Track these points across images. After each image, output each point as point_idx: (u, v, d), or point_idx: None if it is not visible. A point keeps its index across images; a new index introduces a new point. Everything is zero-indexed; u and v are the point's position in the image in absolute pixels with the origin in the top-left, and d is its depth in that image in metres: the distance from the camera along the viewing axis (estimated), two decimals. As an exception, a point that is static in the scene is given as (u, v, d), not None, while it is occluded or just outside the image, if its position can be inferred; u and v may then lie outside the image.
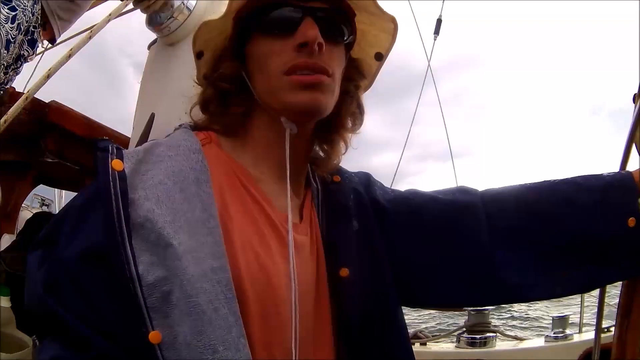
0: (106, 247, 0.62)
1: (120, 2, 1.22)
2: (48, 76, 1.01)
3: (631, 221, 0.80)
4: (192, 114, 0.86)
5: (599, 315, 1.07)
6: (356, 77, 0.87)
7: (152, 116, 1.13)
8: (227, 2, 1.19)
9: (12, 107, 0.96)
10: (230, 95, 0.80)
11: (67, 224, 0.67)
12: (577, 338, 2.64)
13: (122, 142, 1.27)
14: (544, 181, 0.90)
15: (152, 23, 1.24)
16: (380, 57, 0.89)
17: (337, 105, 0.81)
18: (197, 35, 0.82)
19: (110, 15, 1.18)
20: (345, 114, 0.85)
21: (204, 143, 0.77)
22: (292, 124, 0.77)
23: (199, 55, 0.84)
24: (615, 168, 0.93)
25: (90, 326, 0.62)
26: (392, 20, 0.84)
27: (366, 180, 0.93)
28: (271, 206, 0.77)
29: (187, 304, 0.61)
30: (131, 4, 1.26)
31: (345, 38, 0.80)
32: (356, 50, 0.86)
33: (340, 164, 0.90)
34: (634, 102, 1.28)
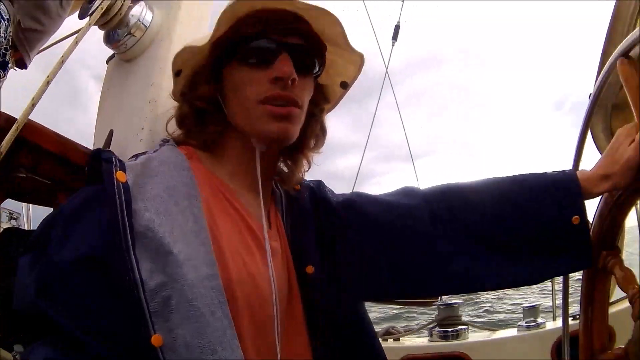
0: (106, 252, 0.66)
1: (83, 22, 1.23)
2: (33, 105, 1.04)
3: (575, 219, 0.86)
4: (168, 128, 0.92)
5: (565, 304, 1.13)
6: (321, 102, 0.94)
7: (111, 133, 1.14)
8: (182, 16, 1.21)
9: (7, 137, 1.00)
10: (206, 114, 0.86)
11: (60, 228, 0.70)
12: (550, 326, 2.67)
13: (82, 154, 1.27)
14: (490, 178, 0.96)
15: (109, 40, 1.25)
16: (345, 86, 0.97)
17: (303, 127, 0.88)
18: (178, 56, 0.88)
19: (76, 38, 1.19)
20: (309, 135, 0.92)
21: (187, 158, 0.83)
22: (262, 145, 0.84)
23: (177, 73, 0.90)
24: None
25: (84, 329, 0.65)
26: (360, 56, 0.92)
27: (318, 185, 1.01)
28: (250, 216, 0.84)
29: (187, 307, 0.66)
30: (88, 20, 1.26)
31: (316, 71, 0.87)
32: (324, 77, 0.93)
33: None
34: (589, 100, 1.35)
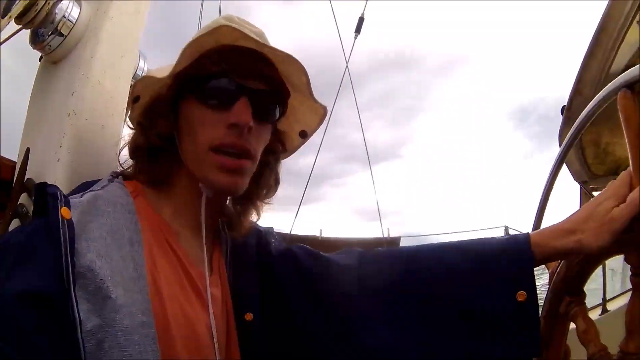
0: (51, 291, 0.63)
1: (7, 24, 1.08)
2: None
3: (520, 295, 0.73)
4: (121, 157, 0.90)
5: None
6: (278, 150, 0.92)
7: (27, 152, 1.01)
8: (113, 11, 1.07)
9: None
10: (159, 151, 0.84)
11: (7, 261, 0.66)
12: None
13: (7, 167, 1.14)
14: (430, 244, 0.88)
15: (34, 41, 1.10)
16: (304, 135, 0.95)
17: (256, 175, 0.86)
18: (137, 84, 0.86)
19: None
20: (262, 186, 0.91)
21: (133, 197, 0.81)
22: (210, 191, 0.83)
23: (135, 100, 0.86)
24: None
25: None
26: (323, 108, 0.90)
27: (267, 232, 1.00)
28: (189, 262, 0.82)
29: (120, 353, 0.64)
30: (13, 22, 1.12)
31: (275, 118, 0.85)
32: (283, 124, 0.91)
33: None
34: (562, 114, 1.27)
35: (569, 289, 0.84)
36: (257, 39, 0.77)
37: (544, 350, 0.86)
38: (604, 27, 0.89)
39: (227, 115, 0.78)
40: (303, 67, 0.81)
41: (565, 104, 1.19)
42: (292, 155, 1.01)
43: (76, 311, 0.63)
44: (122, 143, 0.91)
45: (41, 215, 0.70)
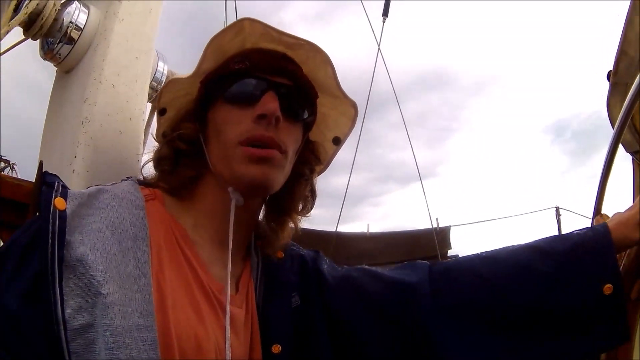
0: (37, 287, 0.60)
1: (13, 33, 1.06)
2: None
3: (607, 288, 0.71)
4: (143, 171, 0.86)
5: None
6: (312, 161, 0.88)
7: (41, 164, 0.97)
8: (122, 12, 1.02)
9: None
10: (184, 156, 0.81)
11: (9, 264, 0.64)
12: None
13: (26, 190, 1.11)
14: (502, 248, 0.83)
15: (43, 50, 1.07)
16: (338, 142, 0.91)
17: (290, 187, 0.83)
18: (163, 92, 0.83)
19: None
20: (297, 197, 0.86)
21: (148, 199, 0.77)
22: (239, 196, 0.77)
23: (161, 112, 0.84)
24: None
25: None
26: (353, 106, 0.86)
27: (314, 256, 0.93)
28: (206, 272, 0.76)
29: (107, 355, 0.59)
30: (21, 34, 1.09)
31: (305, 117, 0.82)
32: (315, 133, 0.88)
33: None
34: (608, 80, 1.17)
35: (640, 271, 0.74)
36: (277, 29, 0.76)
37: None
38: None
39: (254, 108, 0.75)
40: (326, 56, 0.78)
41: (611, 69, 1.09)
42: (323, 175, 0.96)
43: (59, 307, 0.59)
44: (144, 156, 0.89)
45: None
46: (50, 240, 0.62)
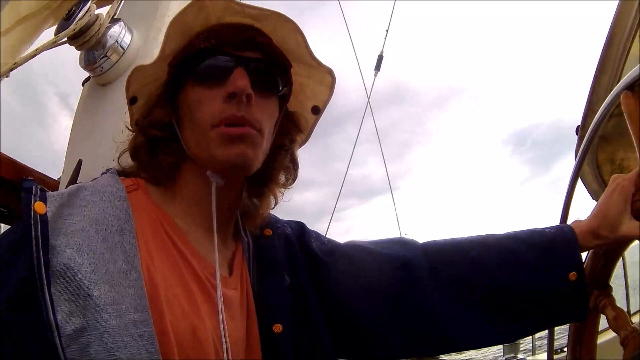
0: (26, 293, 0.59)
1: (53, 36, 1.17)
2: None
3: (572, 275, 0.85)
4: (121, 161, 0.83)
5: (550, 339, 1.10)
6: (292, 131, 0.87)
7: (80, 162, 1.07)
8: (162, 38, 1.16)
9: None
10: (160, 143, 0.79)
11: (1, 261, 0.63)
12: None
13: (50, 186, 1.19)
14: (489, 235, 0.94)
15: (85, 61, 1.18)
16: (317, 111, 0.89)
17: (270, 159, 0.81)
18: (131, 80, 0.80)
19: (37, 50, 1.13)
20: (278, 168, 0.85)
21: (130, 190, 0.75)
22: (219, 177, 0.76)
23: (132, 101, 0.82)
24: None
25: None
26: (330, 73, 0.84)
27: (300, 230, 0.93)
28: (197, 258, 0.75)
29: (107, 357, 0.58)
30: (65, 39, 1.20)
31: (279, 89, 0.80)
32: (293, 104, 0.86)
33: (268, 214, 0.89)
34: (576, 134, 1.34)
35: (596, 283, 0.90)
36: (240, 2, 0.74)
37: (578, 344, 0.92)
38: (611, 42, 0.99)
39: (224, 87, 0.73)
40: (296, 26, 0.76)
41: (579, 124, 1.25)
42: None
43: (51, 314, 0.57)
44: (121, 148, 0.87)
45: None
46: (34, 247, 0.60)
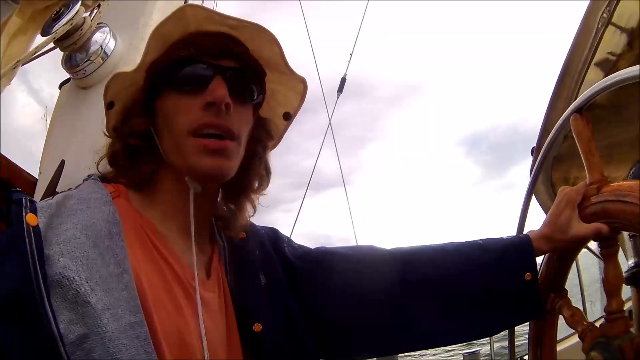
0: (24, 306, 0.59)
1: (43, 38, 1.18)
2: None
3: (527, 276, 0.92)
4: (100, 166, 0.85)
5: (511, 347, 1.16)
6: (264, 138, 0.89)
7: (62, 163, 1.08)
8: (144, 43, 1.20)
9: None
10: (138, 151, 0.80)
11: None
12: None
13: (29, 182, 1.19)
14: (448, 243, 1.00)
15: (67, 63, 1.20)
16: (288, 117, 0.91)
17: (245, 167, 0.83)
18: (109, 86, 0.81)
19: (36, 49, 1.14)
20: (252, 176, 0.87)
21: (113, 196, 0.76)
22: (197, 184, 0.78)
23: (109, 106, 0.82)
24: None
25: None
26: (302, 81, 0.87)
27: (273, 235, 0.96)
28: (179, 263, 0.76)
29: None
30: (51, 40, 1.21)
31: (254, 98, 0.82)
32: (265, 110, 0.88)
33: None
34: (531, 155, 1.42)
35: (552, 287, 0.97)
36: (224, 14, 0.77)
37: (537, 346, 1.00)
38: (567, 70, 1.08)
39: (203, 96, 0.74)
40: (273, 36, 0.78)
41: (534, 145, 1.33)
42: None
43: (53, 324, 0.58)
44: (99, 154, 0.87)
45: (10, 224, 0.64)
46: (30, 260, 0.60)
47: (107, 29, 1.19)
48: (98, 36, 1.17)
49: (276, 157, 0.93)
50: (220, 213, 0.90)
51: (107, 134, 0.84)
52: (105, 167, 0.84)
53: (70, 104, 1.24)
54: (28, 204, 0.65)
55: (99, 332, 0.59)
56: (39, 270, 0.60)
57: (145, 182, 0.80)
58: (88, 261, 0.64)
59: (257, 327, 0.81)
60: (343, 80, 4.87)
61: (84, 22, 1.14)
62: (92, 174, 0.81)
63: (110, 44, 1.18)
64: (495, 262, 0.94)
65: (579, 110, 0.89)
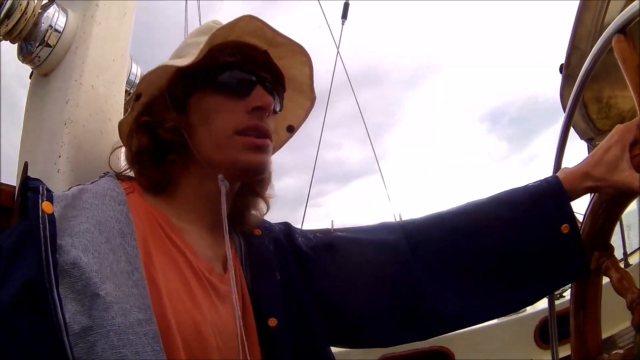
0: (36, 293, 0.60)
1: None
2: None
3: (564, 227, 0.79)
4: (111, 160, 0.87)
5: (551, 303, 1.05)
6: None
7: (26, 166, 0.98)
8: (100, 15, 1.04)
9: None
10: (170, 148, 0.81)
11: (2, 263, 0.64)
12: (529, 310, 2.66)
13: (7, 193, 1.11)
14: (468, 203, 0.89)
15: (22, 54, 1.07)
16: (291, 130, 0.98)
17: None
18: (143, 79, 0.83)
19: None
20: (267, 179, 0.92)
21: (128, 192, 0.78)
22: (226, 181, 0.80)
23: (137, 98, 0.82)
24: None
25: None
26: (312, 100, 0.93)
27: (286, 229, 0.97)
28: (195, 255, 0.78)
29: (113, 355, 0.59)
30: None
31: (278, 110, 0.87)
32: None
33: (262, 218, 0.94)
34: (560, 72, 1.27)
35: (596, 243, 0.83)
36: (277, 30, 0.82)
37: (581, 308, 0.87)
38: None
39: (247, 101, 0.80)
40: (309, 58, 0.86)
41: (563, 62, 1.19)
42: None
43: (60, 313, 0.59)
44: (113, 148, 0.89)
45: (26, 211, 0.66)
46: (43, 246, 0.61)
47: (54, 5, 1.05)
48: (45, 16, 1.03)
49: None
50: (234, 209, 0.90)
51: (128, 126, 0.84)
52: (115, 162, 0.86)
53: (35, 95, 1.12)
54: (45, 192, 0.67)
55: (104, 324, 0.60)
56: (50, 257, 0.61)
57: (166, 181, 0.82)
58: (100, 255, 0.65)
59: (272, 322, 0.82)
60: (346, 6, 4.61)
61: (27, 6, 0.99)
62: (109, 172, 0.82)
63: (60, 21, 1.04)
64: (524, 217, 0.82)
65: (621, 30, 0.71)
